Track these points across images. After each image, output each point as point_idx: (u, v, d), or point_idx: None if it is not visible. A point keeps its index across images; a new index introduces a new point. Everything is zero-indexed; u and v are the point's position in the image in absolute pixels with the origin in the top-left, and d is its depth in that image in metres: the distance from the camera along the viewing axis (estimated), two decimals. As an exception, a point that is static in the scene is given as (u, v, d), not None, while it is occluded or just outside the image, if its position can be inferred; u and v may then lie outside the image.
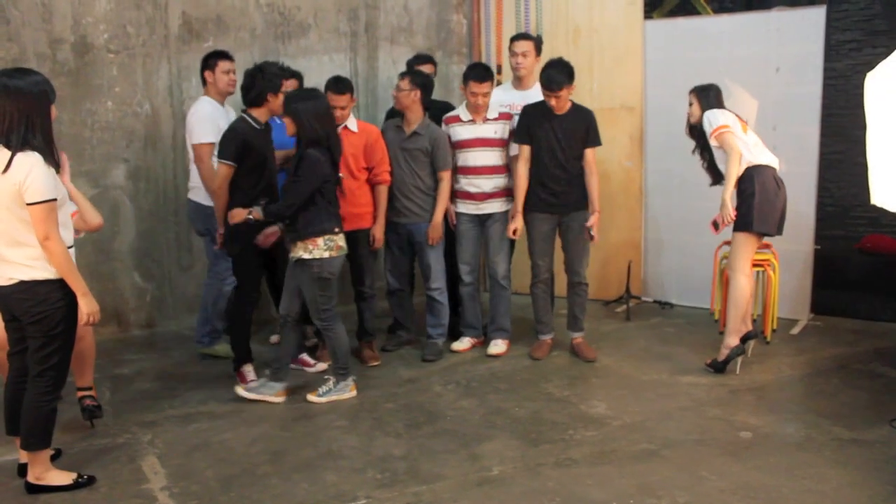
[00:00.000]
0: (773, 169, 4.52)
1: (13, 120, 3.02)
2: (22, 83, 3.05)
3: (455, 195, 4.91)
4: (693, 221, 5.65)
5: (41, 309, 3.09)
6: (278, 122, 4.71)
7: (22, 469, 3.31)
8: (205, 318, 4.91)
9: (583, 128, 4.67)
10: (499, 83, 5.37)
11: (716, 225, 4.56)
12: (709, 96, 4.64)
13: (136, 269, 5.50)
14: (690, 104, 4.69)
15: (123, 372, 4.71)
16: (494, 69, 5.86)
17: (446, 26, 6.46)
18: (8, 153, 3.00)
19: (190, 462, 3.51)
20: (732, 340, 4.50)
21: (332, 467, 3.43)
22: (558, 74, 4.52)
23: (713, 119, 4.53)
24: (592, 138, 4.71)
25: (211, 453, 3.60)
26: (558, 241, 4.85)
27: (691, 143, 4.77)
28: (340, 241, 4.17)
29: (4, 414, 3.36)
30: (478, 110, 4.78)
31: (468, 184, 4.86)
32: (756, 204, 4.40)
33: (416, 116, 4.76)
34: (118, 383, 4.53)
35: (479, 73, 4.77)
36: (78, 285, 3.14)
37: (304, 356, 4.71)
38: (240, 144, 4.17)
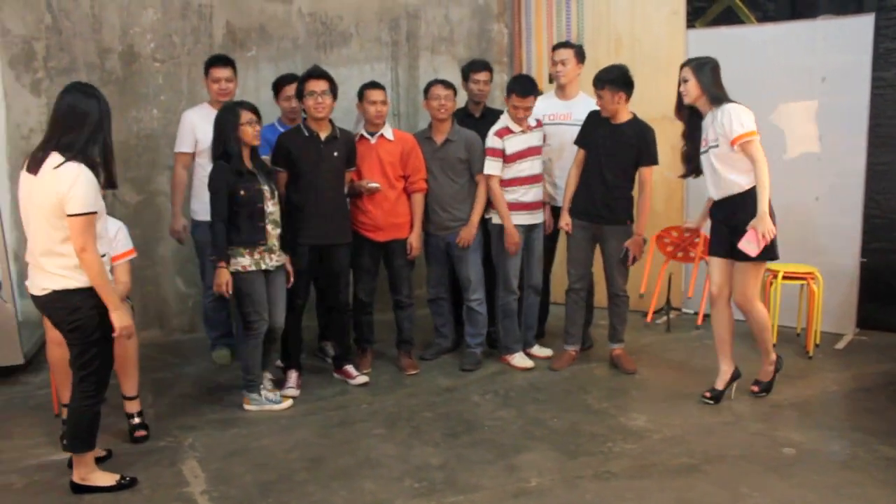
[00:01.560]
0: None
1: (77, 130, 3.09)
2: (94, 98, 3.18)
3: (514, 207, 4.79)
4: (735, 233, 5.58)
5: (76, 317, 3.15)
6: (279, 128, 4.79)
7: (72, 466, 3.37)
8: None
9: (635, 143, 4.58)
10: (540, 93, 5.36)
11: (747, 244, 3.98)
12: (706, 73, 4.11)
13: (179, 275, 5.59)
14: (685, 80, 4.16)
15: (165, 376, 4.78)
16: (537, 79, 5.84)
17: (487, 36, 6.47)
18: (59, 160, 3.04)
19: (229, 466, 3.55)
20: (773, 356, 4.38)
21: (369, 475, 3.44)
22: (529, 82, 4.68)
23: (745, 121, 3.98)
24: (648, 156, 4.61)
25: (250, 458, 3.63)
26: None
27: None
28: (244, 259, 4.09)
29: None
30: (521, 124, 4.75)
31: (527, 194, 4.79)
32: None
33: (448, 125, 4.78)
34: (160, 387, 4.60)
35: (523, 87, 4.69)
36: (110, 299, 3.16)
37: (349, 368, 4.69)
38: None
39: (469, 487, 3.32)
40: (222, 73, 4.79)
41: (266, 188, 4.13)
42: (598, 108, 4.64)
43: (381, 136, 4.63)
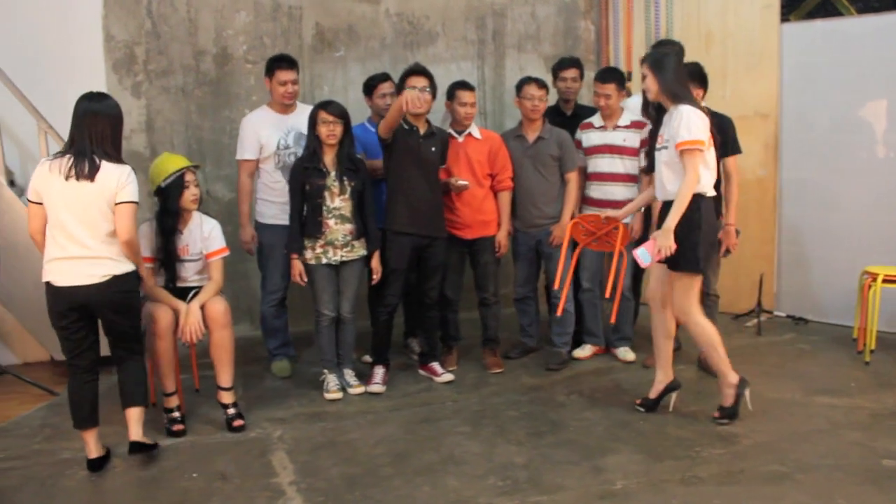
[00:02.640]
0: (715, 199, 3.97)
1: (105, 135, 3.45)
2: (110, 104, 3.53)
3: (583, 201, 4.88)
4: (831, 233, 5.41)
5: (130, 298, 3.54)
6: (370, 128, 4.83)
7: (134, 447, 3.60)
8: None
9: (717, 136, 4.48)
10: (628, 90, 5.28)
11: (642, 253, 3.85)
12: (665, 68, 3.86)
13: (272, 270, 5.73)
14: (644, 77, 3.94)
15: (255, 369, 4.91)
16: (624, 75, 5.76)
17: (574, 33, 6.41)
18: (98, 163, 3.41)
19: (316, 459, 3.62)
20: (733, 378, 3.99)
21: (453, 472, 3.46)
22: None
23: (693, 127, 3.74)
24: (731, 146, 4.52)
25: (337, 452, 3.70)
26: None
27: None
28: (307, 252, 4.35)
29: (76, 410, 3.56)
30: (608, 115, 4.72)
31: (595, 190, 4.81)
32: (702, 240, 3.81)
33: (539, 123, 4.76)
34: (250, 380, 4.75)
35: (602, 73, 4.73)
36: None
37: (435, 365, 4.73)
38: None
39: (553, 487, 3.30)
40: (288, 75, 4.62)
41: (336, 184, 4.26)
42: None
43: (469, 134, 4.66)
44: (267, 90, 4.80)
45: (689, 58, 5.18)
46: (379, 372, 4.57)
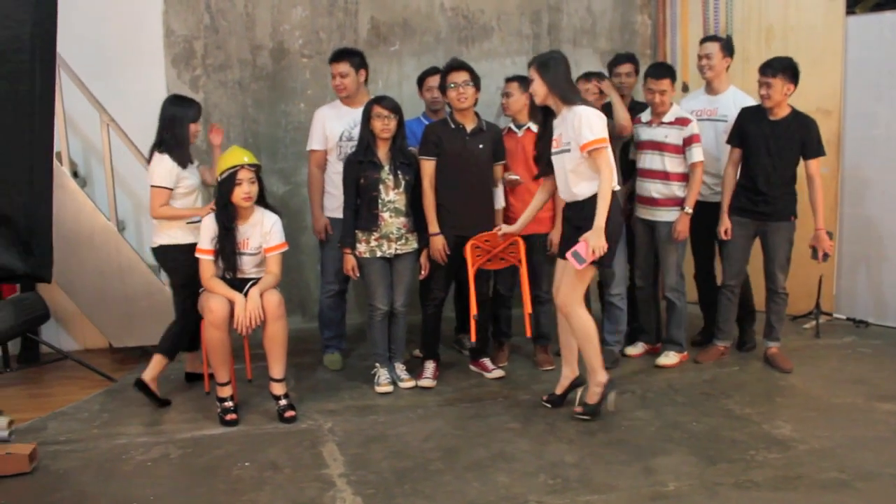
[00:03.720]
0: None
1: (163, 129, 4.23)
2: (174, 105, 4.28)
3: (636, 198, 4.85)
4: (894, 234, 5.24)
5: (165, 263, 4.33)
6: (424, 122, 4.83)
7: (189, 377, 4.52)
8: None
9: (799, 137, 4.48)
10: (685, 85, 5.22)
11: (575, 256, 3.78)
12: (552, 71, 3.88)
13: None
14: (531, 80, 3.93)
15: (307, 361, 4.96)
16: (681, 72, 5.68)
17: (630, 28, 6.33)
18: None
19: (367, 452, 3.65)
20: (602, 376, 4.00)
21: (503, 469, 3.45)
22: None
23: (596, 127, 3.78)
24: (814, 149, 4.49)
25: (387, 445, 3.72)
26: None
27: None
28: (361, 246, 4.39)
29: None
30: (656, 111, 4.66)
31: (641, 187, 4.77)
32: (611, 235, 3.81)
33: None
34: (302, 371, 4.81)
35: (655, 68, 4.68)
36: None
37: (485, 361, 4.73)
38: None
39: (604, 487, 3.27)
40: (336, 67, 4.66)
41: (390, 178, 4.28)
42: (748, 104, 4.47)
43: (528, 128, 4.61)
44: (325, 84, 4.85)
45: (748, 54, 5.12)
46: (429, 366, 4.58)
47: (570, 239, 3.93)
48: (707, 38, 4.97)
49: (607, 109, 4.86)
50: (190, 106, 4.30)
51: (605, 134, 3.80)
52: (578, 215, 3.89)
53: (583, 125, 3.75)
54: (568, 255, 3.81)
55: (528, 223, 4.29)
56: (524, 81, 4.49)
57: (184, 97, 4.41)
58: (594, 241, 3.73)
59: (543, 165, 4.09)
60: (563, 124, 3.88)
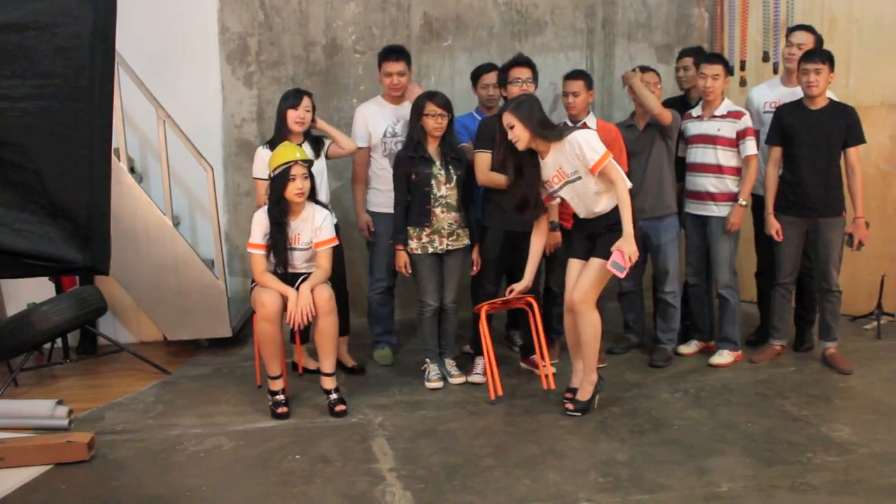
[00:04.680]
0: None
1: None
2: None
3: (684, 194, 4.80)
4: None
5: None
6: (477, 117, 4.79)
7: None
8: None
9: (842, 125, 4.41)
10: (742, 80, 5.11)
11: (614, 265, 3.81)
12: (527, 112, 3.86)
13: (372, 259, 5.81)
14: (511, 127, 3.87)
15: (356, 355, 4.96)
16: (737, 65, 5.57)
17: (686, 21, 6.22)
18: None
19: (417, 447, 3.65)
20: (595, 376, 4.05)
21: (554, 466, 3.42)
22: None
23: (596, 145, 3.82)
24: (854, 136, 4.42)
25: (437, 441, 3.72)
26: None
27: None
28: (412, 242, 4.40)
29: None
30: (710, 102, 4.61)
31: (692, 182, 4.71)
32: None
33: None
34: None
35: (708, 56, 4.71)
36: None
37: (536, 357, 4.68)
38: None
39: (656, 487, 3.23)
40: (394, 66, 4.65)
41: (441, 173, 4.29)
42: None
43: (584, 124, 4.55)
44: (377, 80, 4.86)
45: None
46: (480, 363, 4.56)
47: (582, 242, 4.04)
48: (799, 27, 4.84)
49: (676, 103, 4.87)
50: (286, 98, 4.39)
51: (604, 146, 3.85)
52: (599, 226, 3.95)
53: (584, 149, 3.78)
54: (608, 266, 3.81)
55: (534, 274, 4.25)
56: (588, 79, 4.54)
57: (290, 91, 4.48)
58: (628, 248, 3.78)
59: (535, 209, 4.06)
60: (561, 157, 3.89)
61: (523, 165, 3.98)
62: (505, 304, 4.46)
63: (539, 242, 4.23)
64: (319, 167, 4.41)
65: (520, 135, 3.86)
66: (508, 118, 3.87)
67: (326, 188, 4.56)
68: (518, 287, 4.25)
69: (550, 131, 3.89)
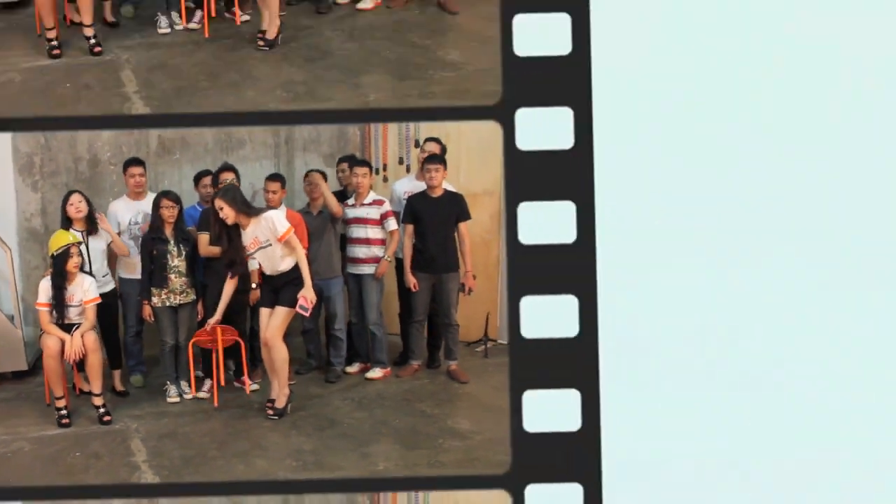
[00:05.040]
0: None
1: None
2: None
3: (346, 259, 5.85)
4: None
5: None
6: (198, 208, 5.86)
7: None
8: None
9: (455, 207, 5.58)
10: (385, 177, 6.22)
11: (302, 309, 5.09)
12: (233, 197, 5.07)
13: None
14: (221, 208, 5.02)
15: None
16: (381, 166, 6.36)
17: (344, 136, 6.26)
18: None
19: (162, 445, 4.63)
20: (287, 390, 5.23)
21: (260, 455, 4.47)
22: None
23: (282, 221, 5.06)
24: (464, 214, 5.57)
25: (176, 440, 4.73)
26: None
27: None
28: (155, 298, 5.56)
29: None
30: (359, 194, 5.60)
31: (350, 251, 5.69)
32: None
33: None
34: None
35: (359, 161, 5.86)
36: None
37: (244, 377, 5.61)
38: None
39: (334, 467, 4.22)
40: (136, 170, 5.67)
41: (175, 249, 5.50)
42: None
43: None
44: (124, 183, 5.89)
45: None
46: (207, 382, 5.51)
47: (267, 294, 5.29)
48: (430, 139, 5.86)
49: (335, 195, 6.06)
50: (64, 198, 5.34)
51: (289, 223, 5.10)
52: (281, 281, 5.19)
53: (276, 224, 5.07)
54: (297, 308, 4.98)
55: (223, 312, 5.29)
56: (283, 180, 5.65)
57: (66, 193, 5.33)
58: (310, 295, 5.02)
59: (239, 266, 5.25)
60: (257, 229, 5.14)
61: (231, 236, 5.10)
62: (212, 338, 5.36)
63: (230, 287, 5.31)
64: (100, 245, 5.55)
65: (227, 213, 4.99)
66: (219, 201, 5.04)
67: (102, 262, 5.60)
68: (211, 321, 5.30)
69: (250, 209, 5.08)
